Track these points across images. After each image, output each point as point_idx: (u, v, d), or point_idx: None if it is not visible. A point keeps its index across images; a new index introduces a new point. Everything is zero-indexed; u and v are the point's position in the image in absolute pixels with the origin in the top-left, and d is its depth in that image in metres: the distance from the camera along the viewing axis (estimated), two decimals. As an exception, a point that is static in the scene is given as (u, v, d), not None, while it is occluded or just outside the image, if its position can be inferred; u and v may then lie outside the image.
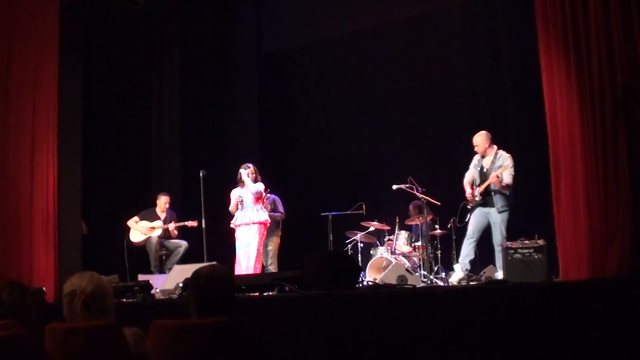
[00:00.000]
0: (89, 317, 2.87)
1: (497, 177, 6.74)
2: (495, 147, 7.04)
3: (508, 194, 6.83)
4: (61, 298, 2.99)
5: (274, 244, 8.47)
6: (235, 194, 7.96)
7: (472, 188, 7.04)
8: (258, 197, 7.82)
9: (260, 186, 7.87)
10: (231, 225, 7.92)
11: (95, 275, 3.01)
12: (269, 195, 8.35)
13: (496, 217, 6.82)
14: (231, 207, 7.95)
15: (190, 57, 10.42)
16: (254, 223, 7.73)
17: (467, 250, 6.95)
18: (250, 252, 7.66)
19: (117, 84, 9.74)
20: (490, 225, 6.92)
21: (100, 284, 2.96)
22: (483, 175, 7.00)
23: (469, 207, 7.04)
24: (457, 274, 7.01)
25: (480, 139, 7.08)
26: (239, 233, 7.82)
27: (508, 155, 6.92)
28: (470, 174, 7.16)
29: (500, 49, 9.13)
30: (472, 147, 7.19)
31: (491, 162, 6.96)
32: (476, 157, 7.18)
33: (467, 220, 7.03)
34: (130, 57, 9.98)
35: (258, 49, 11.11)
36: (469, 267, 6.97)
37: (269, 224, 7.93)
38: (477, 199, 6.94)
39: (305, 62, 10.85)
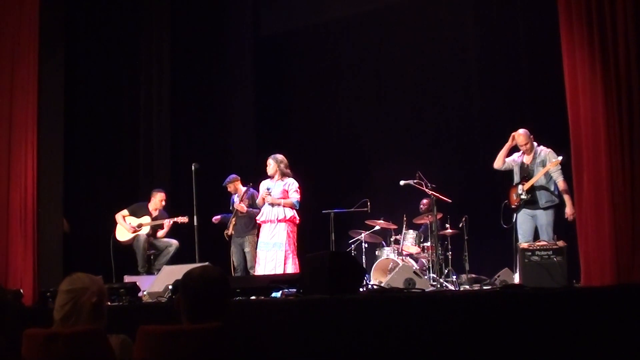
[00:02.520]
0: (94, 319, 2.94)
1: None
2: (535, 143, 7.08)
3: (553, 189, 6.87)
4: (56, 295, 3.02)
5: (251, 244, 8.22)
6: (263, 186, 7.88)
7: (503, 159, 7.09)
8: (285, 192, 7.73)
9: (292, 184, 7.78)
10: (257, 221, 7.86)
11: None
12: (250, 189, 8.28)
13: (542, 218, 6.84)
14: (258, 200, 7.89)
15: (181, 40, 10.39)
16: (279, 221, 7.63)
17: None
18: (278, 253, 7.54)
19: (102, 69, 9.68)
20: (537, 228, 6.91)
21: (105, 288, 3.09)
22: (524, 172, 7.04)
23: (513, 206, 7.03)
24: None
25: (524, 137, 7.04)
26: (263, 230, 7.76)
27: (549, 150, 6.97)
28: (506, 163, 7.16)
29: (517, 33, 9.10)
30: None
31: (532, 159, 7.03)
32: (517, 154, 7.21)
33: (514, 220, 7.01)
34: (116, 40, 9.92)
35: (255, 32, 11.09)
36: None
37: (297, 221, 7.77)
38: (522, 197, 6.95)
39: (306, 47, 10.82)
